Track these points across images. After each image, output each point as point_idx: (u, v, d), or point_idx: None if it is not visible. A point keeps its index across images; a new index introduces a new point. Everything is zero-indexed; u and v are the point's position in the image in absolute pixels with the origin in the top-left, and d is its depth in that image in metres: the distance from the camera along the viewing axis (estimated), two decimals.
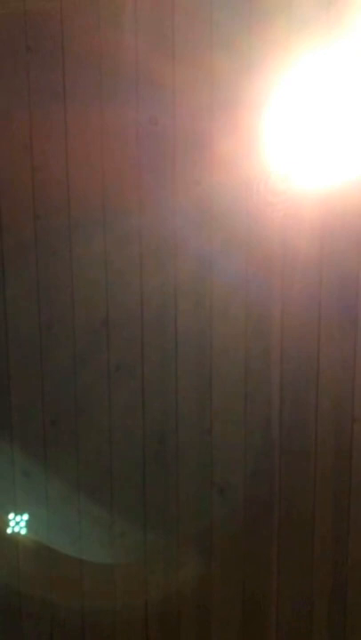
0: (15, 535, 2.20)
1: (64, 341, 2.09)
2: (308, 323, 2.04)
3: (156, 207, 2.00)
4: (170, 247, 2.02)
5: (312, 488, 2.13)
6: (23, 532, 2.19)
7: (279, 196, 1.97)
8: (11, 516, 2.19)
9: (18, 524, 2.19)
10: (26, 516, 2.19)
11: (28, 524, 2.19)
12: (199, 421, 2.11)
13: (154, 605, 2.22)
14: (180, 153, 1.97)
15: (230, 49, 1.91)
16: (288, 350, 2.06)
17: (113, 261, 2.04)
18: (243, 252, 2.01)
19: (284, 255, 2.01)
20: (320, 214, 1.98)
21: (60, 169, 2.00)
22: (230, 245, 2.01)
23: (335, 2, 1.88)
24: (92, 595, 2.23)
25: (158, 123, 1.95)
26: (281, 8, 1.89)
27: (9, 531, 2.19)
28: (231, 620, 2.22)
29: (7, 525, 2.19)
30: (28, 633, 2.27)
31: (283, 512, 2.15)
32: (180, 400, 2.10)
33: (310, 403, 2.09)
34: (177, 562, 2.19)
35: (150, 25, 1.92)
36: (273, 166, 1.95)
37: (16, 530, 2.19)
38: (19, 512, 2.18)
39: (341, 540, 2.16)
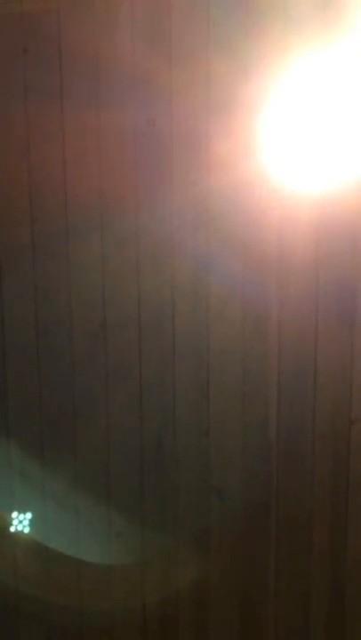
0: (13, 535, 2.20)
1: (62, 343, 2.09)
2: (306, 324, 2.04)
3: (154, 209, 2.00)
4: (167, 249, 2.01)
5: (310, 489, 2.13)
6: (21, 532, 2.19)
7: (276, 198, 1.97)
8: (9, 516, 2.19)
9: (16, 524, 2.19)
10: (24, 517, 2.19)
11: (27, 524, 2.19)
12: (197, 423, 2.11)
13: (152, 606, 2.22)
14: (178, 154, 1.97)
15: (227, 50, 1.91)
16: (286, 352, 2.06)
17: (110, 263, 2.04)
18: (240, 253, 2.01)
19: (281, 257, 2.01)
20: (317, 216, 1.98)
21: (57, 171, 1.99)
22: (228, 247, 2.01)
23: (332, 2, 1.87)
24: (90, 595, 2.23)
25: (155, 124, 1.95)
26: (277, 9, 1.89)
27: (7, 531, 2.19)
28: (229, 620, 2.22)
29: (5, 525, 2.19)
30: (26, 633, 2.27)
31: (281, 513, 2.15)
32: (178, 402, 2.10)
33: (308, 404, 2.09)
34: (175, 563, 2.19)
35: (147, 26, 1.92)
36: (270, 168, 1.95)
37: (14, 530, 2.19)
38: (17, 512, 2.18)
39: (339, 540, 2.16)
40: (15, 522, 2.19)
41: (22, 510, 2.18)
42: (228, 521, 2.16)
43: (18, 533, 2.20)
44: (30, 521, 2.19)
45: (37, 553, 2.21)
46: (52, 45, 1.95)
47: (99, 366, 2.09)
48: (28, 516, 2.18)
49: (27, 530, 2.19)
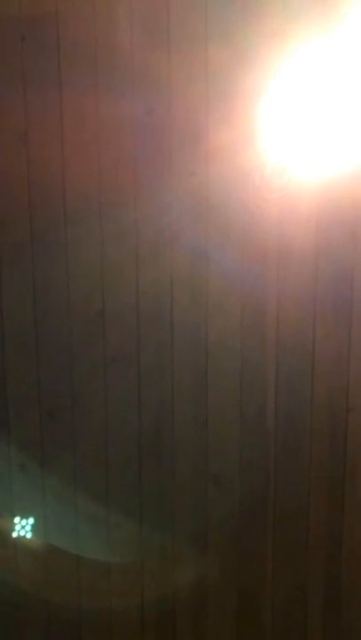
0: (11, 529, 2.19)
1: (60, 333, 2.08)
2: (304, 314, 2.05)
3: (153, 199, 1.99)
4: (166, 239, 2.01)
5: (307, 478, 2.15)
6: (19, 525, 2.19)
7: (275, 188, 1.97)
8: (7, 509, 2.18)
9: (14, 518, 2.18)
10: (22, 510, 2.18)
11: (25, 517, 2.18)
12: (195, 413, 2.11)
13: (150, 596, 2.23)
14: (177, 144, 1.96)
15: (226, 40, 1.91)
16: (283, 342, 2.07)
17: (109, 253, 2.03)
18: (239, 243, 2.01)
19: (280, 247, 2.01)
20: (316, 206, 1.98)
21: (55, 160, 1.98)
22: (226, 237, 2.01)
23: None
24: (88, 588, 2.23)
25: (154, 114, 1.95)
26: None
27: (5, 525, 2.19)
28: (227, 610, 2.24)
29: (2, 519, 2.19)
30: (24, 630, 2.27)
31: (278, 502, 2.16)
32: (176, 392, 2.10)
33: (305, 394, 2.10)
34: (173, 553, 2.20)
35: (146, 15, 1.91)
36: (269, 158, 1.95)
37: (12, 524, 2.19)
38: (15, 505, 2.18)
39: (336, 529, 2.18)
40: (13, 515, 2.18)
41: (20, 502, 2.18)
42: (225, 510, 2.17)
43: (15, 526, 2.19)
44: (28, 513, 2.18)
45: (35, 546, 2.21)
46: (50, 34, 1.93)
47: (97, 356, 2.09)
48: (26, 508, 2.18)
49: (24, 522, 2.19)
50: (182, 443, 2.13)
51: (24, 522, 2.19)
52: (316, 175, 1.96)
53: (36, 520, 2.19)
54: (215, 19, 1.90)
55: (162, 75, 1.93)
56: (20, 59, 1.95)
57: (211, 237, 2.01)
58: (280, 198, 1.98)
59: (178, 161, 1.97)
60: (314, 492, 2.16)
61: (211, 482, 2.15)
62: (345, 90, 1.91)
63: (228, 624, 2.25)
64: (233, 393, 2.10)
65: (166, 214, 2.00)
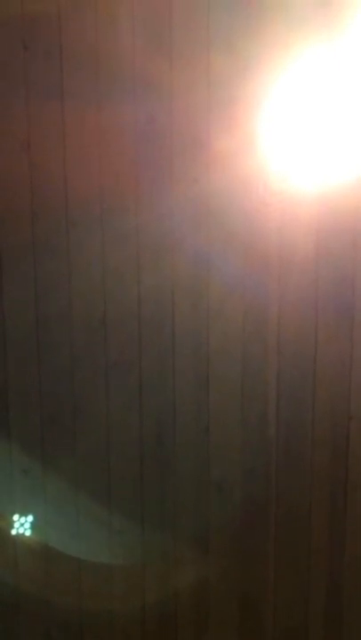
0: (13, 532, 2.20)
1: (62, 339, 2.09)
2: (305, 321, 2.05)
3: (154, 205, 2.00)
4: (167, 245, 2.02)
5: (309, 484, 2.14)
6: (21, 529, 2.20)
7: (276, 195, 1.97)
8: (8, 513, 2.19)
9: (15, 520, 2.19)
10: (24, 514, 2.19)
11: (26, 521, 2.20)
12: (197, 419, 2.12)
13: (151, 600, 2.23)
14: (178, 151, 1.97)
15: (228, 48, 1.92)
16: (285, 348, 2.07)
17: (111, 259, 2.04)
18: (240, 249, 2.01)
19: (281, 254, 2.01)
20: (317, 213, 1.98)
21: (57, 167, 2.00)
22: (228, 243, 2.01)
23: (332, 0, 1.88)
24: (90, 591, 2.24)
25: (156, 121, 1.95)
26: (278, 6, 1.89)
27: (7, 528, 2.20)
28: (228, 614, 2.24)
29: (5, 522, 2.20)
30: (25, 630, 2.28)
31: (280, 508, 2.16)
32: (178, 398, 2.11)
33: (307, 400, 2.10)
34: (174, 558, 2.20)
35: (148, 23, 1.92)
36: (271, 165, 1.96)
37: (14, 527, 2.20)
38: (17, 509, 2.19)
39: (338, 535, 2.18)
40: (14, 518, 2.19)
41: (22, 506, 2.19)
42: (227, 516, 2.17)
43: (17, 529, 2.20)
44: (29, 517, 2.19)
45: (36, 550, 2.22)
46: (52, 42, 1.95)
47: (99, 362, 2.09)
48: (28, 512, 2.19)
49: (26, 526, 2.20)
50: (184, 448, 2.14)
51: (26, 525, 2.20)
52: (318, 182, 1.96)
53: (37, 523, 2.20)
54: (217, 26, 1.90)
55: (164, 82, 1.94)
56: (22, 67, 1.96)
57: (212, 244, 2.02)
58: (281, 205, 1.98)
59: (179, 168, 1.98)
60: (316, 499, 2.15)
61: (212, 488, 2.16)
62: (347, 98, 1.91)
63: (229, 629, 2.24)
64: (234, 399, 2.10)
65: (168, 221, 2.01)
